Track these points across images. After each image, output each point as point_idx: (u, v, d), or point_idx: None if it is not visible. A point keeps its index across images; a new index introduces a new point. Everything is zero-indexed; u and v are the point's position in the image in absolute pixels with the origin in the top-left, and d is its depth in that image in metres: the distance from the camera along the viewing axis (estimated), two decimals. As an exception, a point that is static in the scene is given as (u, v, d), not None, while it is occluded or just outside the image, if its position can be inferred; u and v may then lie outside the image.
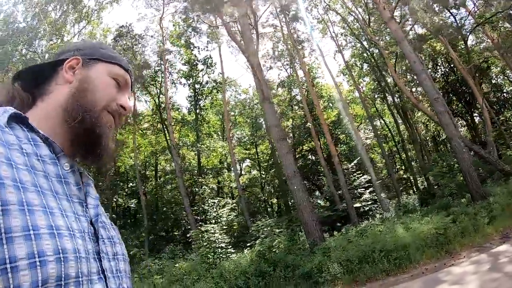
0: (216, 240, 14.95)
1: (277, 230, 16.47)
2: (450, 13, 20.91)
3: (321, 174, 21.54)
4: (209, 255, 14.26)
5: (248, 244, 15.25)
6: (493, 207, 13.59)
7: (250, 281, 11.65)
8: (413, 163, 26.12)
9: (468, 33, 20.62)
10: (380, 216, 17.72)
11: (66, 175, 0.84)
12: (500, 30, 21.76)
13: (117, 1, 20.26)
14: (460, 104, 26.83)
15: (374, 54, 23.84)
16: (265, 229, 15.72)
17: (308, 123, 21.26)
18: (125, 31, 20.74)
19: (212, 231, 15.34)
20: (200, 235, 15.29)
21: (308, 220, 14.31)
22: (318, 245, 13.43)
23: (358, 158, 20.72)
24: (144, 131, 25.10)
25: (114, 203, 22.21)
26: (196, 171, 24.60)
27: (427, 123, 29.42)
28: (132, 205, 22.48)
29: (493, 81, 28.35)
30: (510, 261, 8.81)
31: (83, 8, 19.24)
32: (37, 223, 0.67)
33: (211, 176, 26.02)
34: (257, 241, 15.15)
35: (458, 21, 20.65)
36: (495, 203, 13.88)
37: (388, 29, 19.62)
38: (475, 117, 27.39)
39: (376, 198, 19.62)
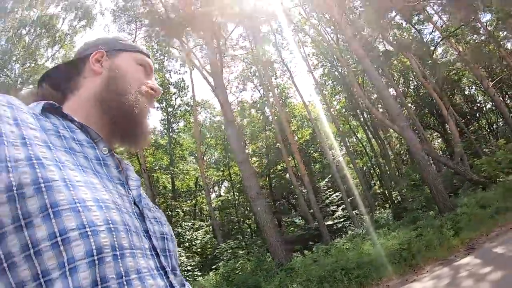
0: (182, 264, 14.28)
1: (241, 252, 15.79)
2: (415, 28, 20.79)
3: (296, 194, 20.94)
4: (173, 279, 13.42)
5: (214, 267, 14.54)
6: (460, 218, 13.10)
7: None
8: (387, 178, 25.60)
9: (433, 47, 20.39)
10: (352, 232, 17.11)
11: (105, 158, 0.83)
12: (466, 42, 21.59)
13: (90, 25, 19.97)
14: (432, 117, 26.50)
15: (344, 72, 23.59)
16: (229, 251, 15.04)
17: (278, 144, 20.87)
18: None
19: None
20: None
21: (273, 241, 13.91)
22: (284, 266, 13.02)
23: (330, 176, 20.14)
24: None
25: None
26: (170, 195, 23.96)
27: (401, 137, 29.11)
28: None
29: (466, 92, 28.11)
30: (469, 275, 8.30)
31: (56, 32, 18.86)
32: (83, 197, 0.66)
33: (185, 199, 25.32)
34: (220, 264, 14.43)
35: (425, 36, 20.57)
36: (462, 214, 13.40)
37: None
38: (447, 129, 26.95)
39: (348, 215, 18.94)
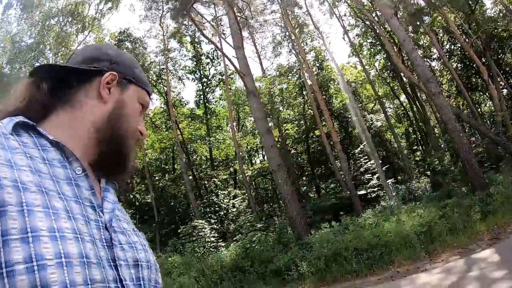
0: (205, 235, 14.61)
1: (259, 225, 15.68)
2: None
3: (336, 159, 20.08)
4: (196, 249, 13.98)
5: (234, 239, 14.69)
6: (492, 199, 11.72)
7: (225, 276, 11.22)
8: (428, 144, 23.49)
9: (475, 1, 17.59)
10: (384, 204, 16.19)
11: (77, 178, 0.78)
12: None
13: (116, 7, 19.88)
14: (480, 78, 23.44)
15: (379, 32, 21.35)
16: (247, 224, 15.03)
17: (310, 110, 19.89)
18: (124, 36, 20.55)
19: (201, 227, 14.95)
20: (190, 230, 15.07)
21: (293, 214, 13.61)
22: (302, 239, 12.69)
23: (365, 143, 18.87)
24: (155, 128, 24.80)
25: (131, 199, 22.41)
26: (208, 164, 24.14)
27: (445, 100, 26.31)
28: (148, 200, 22.49)
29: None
30: (479, 276, 7.44)
31: (84, 18, 19.08)
32: (37, 225, 0.61)
33: (223, 167, 25.24)
34: (237, 237, 14.54)
35: None
36: (496, 194, 11.95)
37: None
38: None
39: (385, 183, 17.83)
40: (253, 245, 12.88)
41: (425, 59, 24.66)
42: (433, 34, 20.33)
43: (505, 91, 21.78)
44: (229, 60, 15.72)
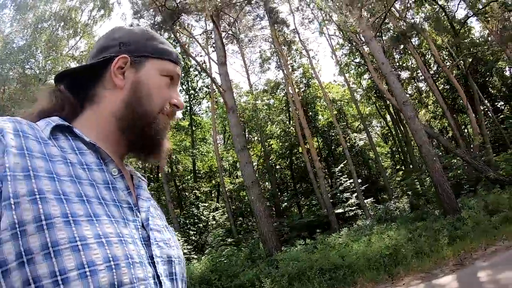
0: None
1: (229, 240, 15.37)
2: (439, 5, 17.98)
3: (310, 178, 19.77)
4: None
5: (206, 252, 14.42)
6: (461, 224, 11.46)
7: None
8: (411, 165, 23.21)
9: (459, 26, 17.53)
10: (360, 223, 15.90)
11: (113, 181, 0.79)
12: (496, 20, 18.23)
13: (108, 14, 19.85)
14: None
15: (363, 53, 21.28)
16: (217, 238, 14.76)
17: (291, 128, 19.73)
18: None
19: (173, 237, 14.62)
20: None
21: (265, 231, 13.40)
22: (272, 256, 12.52)
23: (345, 162, 18.61)
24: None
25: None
26: (190, 176, 23.84)
27: (431, 120, 26.00)
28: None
29: (507, 73, 24.07)
30: None
31: (75, 24, 19.04)
32: (84, 234, 0.63)
33: (206, 180, 25.03)
34: (207, 251, 14.29)
35: (453, 13, 17.71)
36: (467, 218, 11.69)
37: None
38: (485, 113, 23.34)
39: (364, 202, 17.51)
40: (223, 259, 12.69)
41: (413, 80, 24.63)
42: (419, 56, 20.20)
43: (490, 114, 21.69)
44: (209, 76, 15.62)
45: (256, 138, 24.68)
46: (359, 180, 18.72)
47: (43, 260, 0.59)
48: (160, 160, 0.93)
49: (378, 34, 18.34)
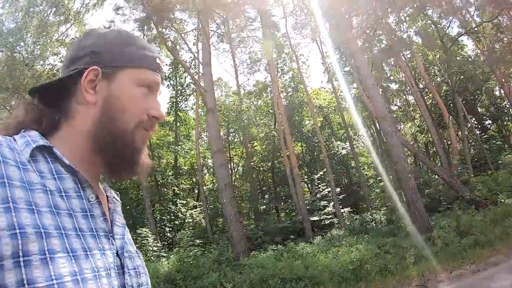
0: (148, 244, 14.07)
1: (197, 241, 15.25)
2: (431, 21, 17.70)
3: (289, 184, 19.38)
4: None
5: (174, 251, 14.16)
6: (429, 244, 11.18)
7: (157, 286, 10.76)
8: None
9: (451, 43, 17.26)
10: (335, 232, 15.58)
11: (91, 208, 0.77)
12: (489, 40, 17.96)
13: (101, 4, 19.41)
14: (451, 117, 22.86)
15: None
16: (185, 238, 14.49)
17: (273, 132, 19.44)
18: None
19: (144, 235, 14.41)
20: (134, 237, 14.53)
21: (234, 234, 13.23)
22: (239, 260, 12.38)
23: (325, 170, 18.27)
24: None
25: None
26: (171, 172, 23.41)
27: (416, 134, 25.71)
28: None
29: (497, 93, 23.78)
30: None
31: (67, 11, 18.62)
32: (60, 272, 0.63)
33: (186, 177, 24.54)
34: (174, 250, 14.05)
35: (439, 29, 17.42)
36: (437, 238, 11.42)
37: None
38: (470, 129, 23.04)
39: (340, 211, 17.19)
40: (189, 259, 12.44)
41: (401, 93, 24.34)
42: (409, 70, 19.92)
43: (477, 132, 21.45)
44: (192, 76, 15.33)
45: (239, 139, 24.37)
46: (338, 189, 18.40)
47: None
48: (139, 175, 0.88)
49: (368, 45, 18.08)
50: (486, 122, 25.18)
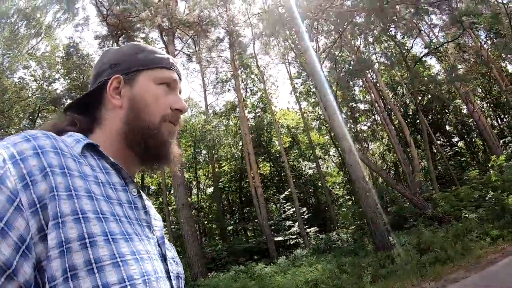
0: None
1: None
2: (394, 42, 17.79)
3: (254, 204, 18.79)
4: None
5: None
6: (388, 262, 10.65)
7: None
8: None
9: (414, 63, 17.31)
10: (298, 252, 14.97)
11: (135, 201, 0.80)
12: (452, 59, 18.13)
13: (73, 18, 18.93)
14: (418, 135, 22.77)
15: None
16: None
17: (238, 153, 19.01)
18: (72, 49, 18.93)
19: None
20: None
21: (191, 254, 12.63)
22: (195, 281, 11.91)
23: (289, 190, 17.69)
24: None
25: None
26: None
27: (384, 153, 25.50)
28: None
29: (465, 111, 23.80)
30: None
31: (39, 24, 18.12)
32: (122, 251, 0.66)
33: (154, 197, 23.62)
34: None
35: (402, 49, 17.52)
36: (397, 256, 10.90)
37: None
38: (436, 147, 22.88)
39: (305, 231, 16.59)
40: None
41: (369, 113, 24.21)
42: (376, 90, 19.85)
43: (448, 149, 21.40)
44: None
45: (206, 158, 23.73)
46: (304, 209, 17.87)
47: (86, 275, 0.61)
48: (171, 166, 0.91)
49: (333, 66, 18.00)
50: (455, 139, 25.21)
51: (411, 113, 22.18)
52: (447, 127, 24.99)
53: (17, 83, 18.10)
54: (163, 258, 0.80)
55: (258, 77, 22.36)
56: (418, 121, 21.21)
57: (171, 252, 0.88)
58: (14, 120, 17.24)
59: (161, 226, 0.88)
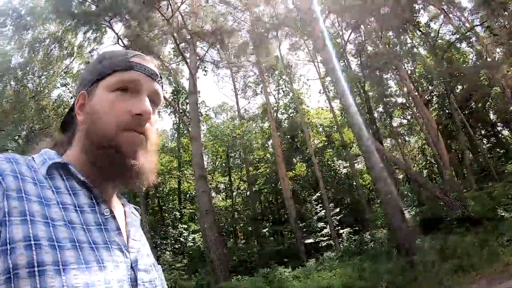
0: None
1: (178, 265, 15.09)
2: (420, 31, 16.66)
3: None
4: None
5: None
6: (410, 268, 10.15)
7: None
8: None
9: (443, 52, 16.08)
10: (327, 255, 14.71)
11: (105, 222, 0.78)
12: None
13: (101, 38, 20.13)
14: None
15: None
16: (165, 263, 14.24)
17: (267, 154, 18.94)
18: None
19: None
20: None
21: (214, 258, 12.92)
22: (219, 284, 12.05)
23: (321, 192, 17.32)
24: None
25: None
26: (175, 197, 23.37)
27: (424, 148, 23.80)
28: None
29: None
30: None
31: (70, 45, 19.41)
32: (73, 283, 0.63)
33: (190, 202, 23.97)
34: None
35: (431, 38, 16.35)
36: (419, 262, 10.35)
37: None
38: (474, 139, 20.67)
39: (336, 233, 16.25)
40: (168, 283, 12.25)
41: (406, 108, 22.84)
42: (410, 82, 18.75)
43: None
44: (174, 108, 15.39)
45: (238, 161, 24.06)
46: (337, 209, 17.48)
47: None
48: (139, 180, 0.83)
49: (359, 60, 17.39)
50: (500, 129, 22.83)
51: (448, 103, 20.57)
52: (491, 116, 22.75)
53: (55, 101, 19.57)
54: (134, 283, 0.77)
55: (289, 77, 22.24)
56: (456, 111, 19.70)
57: (150, 274, 0.84)
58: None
59: (138, 248, 0.83)
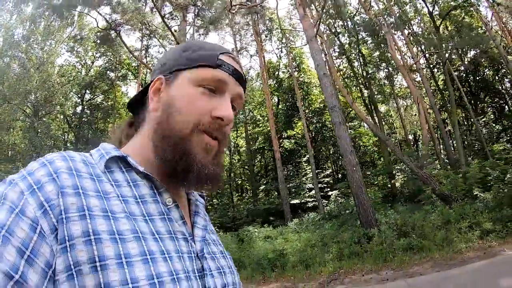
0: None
1: None
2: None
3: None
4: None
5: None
6: (365, 241, 10.44)
7: None
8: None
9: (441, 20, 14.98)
10: (308, 216, 15.35)
11: (168, 212, 0.75)
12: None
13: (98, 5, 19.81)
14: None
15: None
16: None
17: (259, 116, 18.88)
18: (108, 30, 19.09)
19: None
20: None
21: None
22: None
23: (311, 152, 17.51)
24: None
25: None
26: None
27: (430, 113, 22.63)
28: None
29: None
30: None
31: (70, 15, 19.02)
32: (136, 275, 0.62)
33: None
34: None
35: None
36: (374, 235, 10.59)
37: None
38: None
39: (320, 195, 16.69)
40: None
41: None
42: (413, 47, 17.75)
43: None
44: None
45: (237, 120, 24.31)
46: (329, 171, 17.80)
47: None
48: (205, 188, 0.82)
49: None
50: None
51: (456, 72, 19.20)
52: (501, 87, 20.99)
53: (59, 71, 19.84)
54: (201, 273, 0.75)
55: (287, 36, 21.62)
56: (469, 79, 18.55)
57: (218, 262, 0.83)
58: (57, 107, 19.26)
59: (203, 236, 0.81)
